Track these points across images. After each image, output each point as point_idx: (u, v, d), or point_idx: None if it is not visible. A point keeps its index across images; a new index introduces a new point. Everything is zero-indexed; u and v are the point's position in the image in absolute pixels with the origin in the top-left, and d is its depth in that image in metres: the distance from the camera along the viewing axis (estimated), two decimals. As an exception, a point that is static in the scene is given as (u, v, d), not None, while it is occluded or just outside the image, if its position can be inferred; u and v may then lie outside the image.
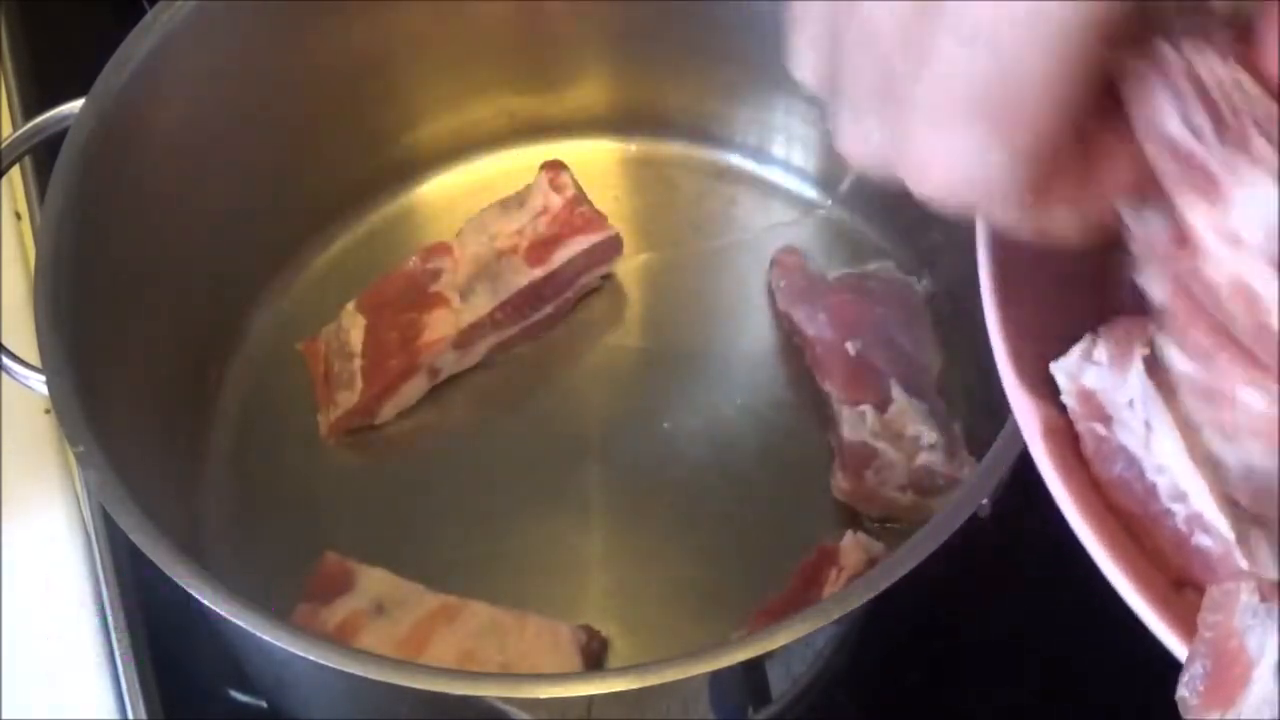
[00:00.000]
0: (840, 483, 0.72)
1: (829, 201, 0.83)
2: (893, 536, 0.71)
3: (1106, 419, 0.47)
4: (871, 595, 0.57)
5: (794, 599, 0.65)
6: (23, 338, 0.68)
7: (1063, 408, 0.48)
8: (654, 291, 0.81)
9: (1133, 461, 0.47)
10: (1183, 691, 0.43)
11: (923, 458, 0.70)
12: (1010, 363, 0.49)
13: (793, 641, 0.56)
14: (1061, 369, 0.48)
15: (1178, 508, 0.46)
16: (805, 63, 0.42)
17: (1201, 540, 0.45)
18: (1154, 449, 0.46)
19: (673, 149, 0.86)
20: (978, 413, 0.73)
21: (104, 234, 0.70)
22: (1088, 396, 0.47)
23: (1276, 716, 0.40)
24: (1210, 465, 0.45)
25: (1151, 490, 0.46)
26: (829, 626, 0.57)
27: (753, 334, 0.80)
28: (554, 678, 0.61)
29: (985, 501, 0.59)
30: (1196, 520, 0.45)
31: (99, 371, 0.66)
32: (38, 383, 0.66)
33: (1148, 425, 0.46)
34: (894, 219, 0.81)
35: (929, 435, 0.70)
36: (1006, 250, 0.50)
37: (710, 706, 0.60)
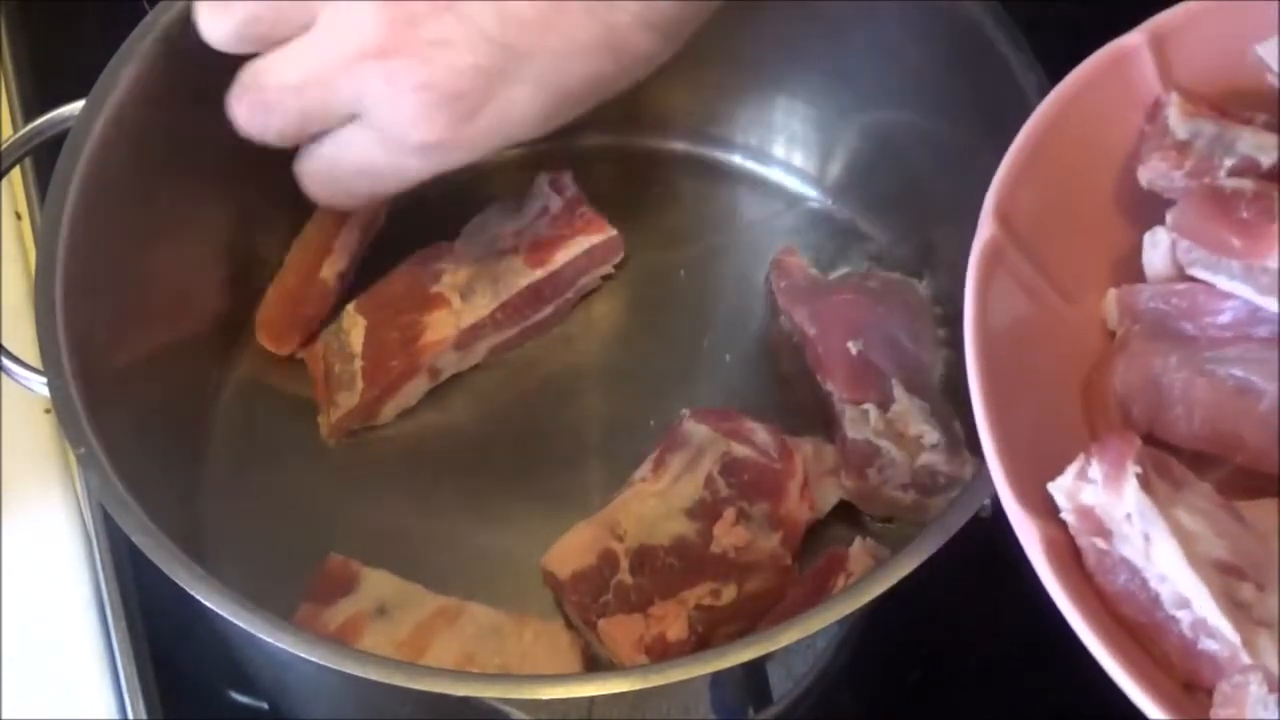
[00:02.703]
0: (843, 481, 0.71)
1: (829, 200, 0.83)
2: (894, 536, 0.71)
3: (1106, 533, 0.48)
4: (872, 596, 0.57)
5: (802, 604, 0.65)
6: (23, 338, 0.68)
7: (1062, 523, 0.49)
8: (654, 292, 0.81)
9: (1135, 572, 0.48)
10: None
11: (925, 457, 0.70)
12: (1007, 482, 0.50)
13: (794, 642, 0.56)
14: (1059, 488, 0.49)
15: (1182, 614, 0.47)
16: None
17: (1208, 645, 0.47)
18: (1154, 559, 0.47)
19: (673, 149, 0.86)
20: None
21: (104, 234, 0.70)
22: (1086, 513, 0.49)
23: None
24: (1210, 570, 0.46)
25: (1155, 599, 0.48)
26: (830, 627, 0.57)
27: (752, 334, 0.79)
28: (555, 679, 0.61)
29: (986, 502, 0.59)
30: (1201, 626, 0.47)
31: (99, 372, 0.66)
32: (38, 383, 0.66)
33: (1146, 537, 0.47)
34: (895, 218, 0.81)
35: (931, 435, 0.70)
36: (996, 371, 0.51)
37: (711, 707, 0.60)
